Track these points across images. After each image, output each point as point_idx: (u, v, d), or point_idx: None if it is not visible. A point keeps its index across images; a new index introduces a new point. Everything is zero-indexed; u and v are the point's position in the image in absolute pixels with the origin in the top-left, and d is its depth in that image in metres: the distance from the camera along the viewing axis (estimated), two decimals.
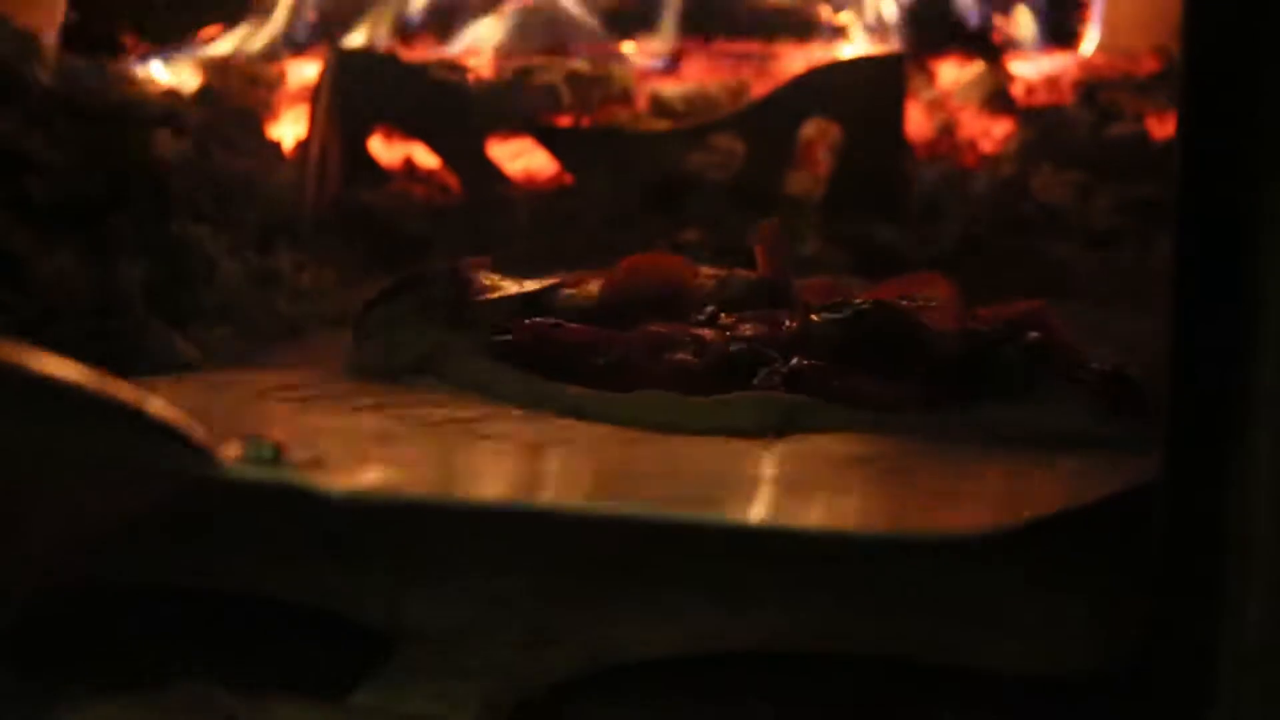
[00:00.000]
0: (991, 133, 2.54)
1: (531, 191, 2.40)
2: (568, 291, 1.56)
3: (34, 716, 0.97)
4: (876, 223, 2.27)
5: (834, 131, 2.41)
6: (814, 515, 1.10)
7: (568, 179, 2.41)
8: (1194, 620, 0.84)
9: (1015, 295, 1.88)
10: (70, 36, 2.60)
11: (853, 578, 0.97)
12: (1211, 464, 0.83)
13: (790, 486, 1.16)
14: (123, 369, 1.78)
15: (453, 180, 2.41)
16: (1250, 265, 0.82)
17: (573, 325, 1.45)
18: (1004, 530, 0.95)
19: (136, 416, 0.95)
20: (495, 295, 1.53)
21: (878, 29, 2.73)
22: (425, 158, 2.44)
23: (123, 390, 0.98)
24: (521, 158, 2.45)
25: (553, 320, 1.46)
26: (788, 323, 1.42)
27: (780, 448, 1.26)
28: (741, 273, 1.59)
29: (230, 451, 0.97)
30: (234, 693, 0.96)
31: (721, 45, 2.69)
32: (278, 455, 0.99)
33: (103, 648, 1.08)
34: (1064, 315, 1.72)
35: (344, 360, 1.60)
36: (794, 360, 1.35)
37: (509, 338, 1.44)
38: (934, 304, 1.49)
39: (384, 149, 2.47)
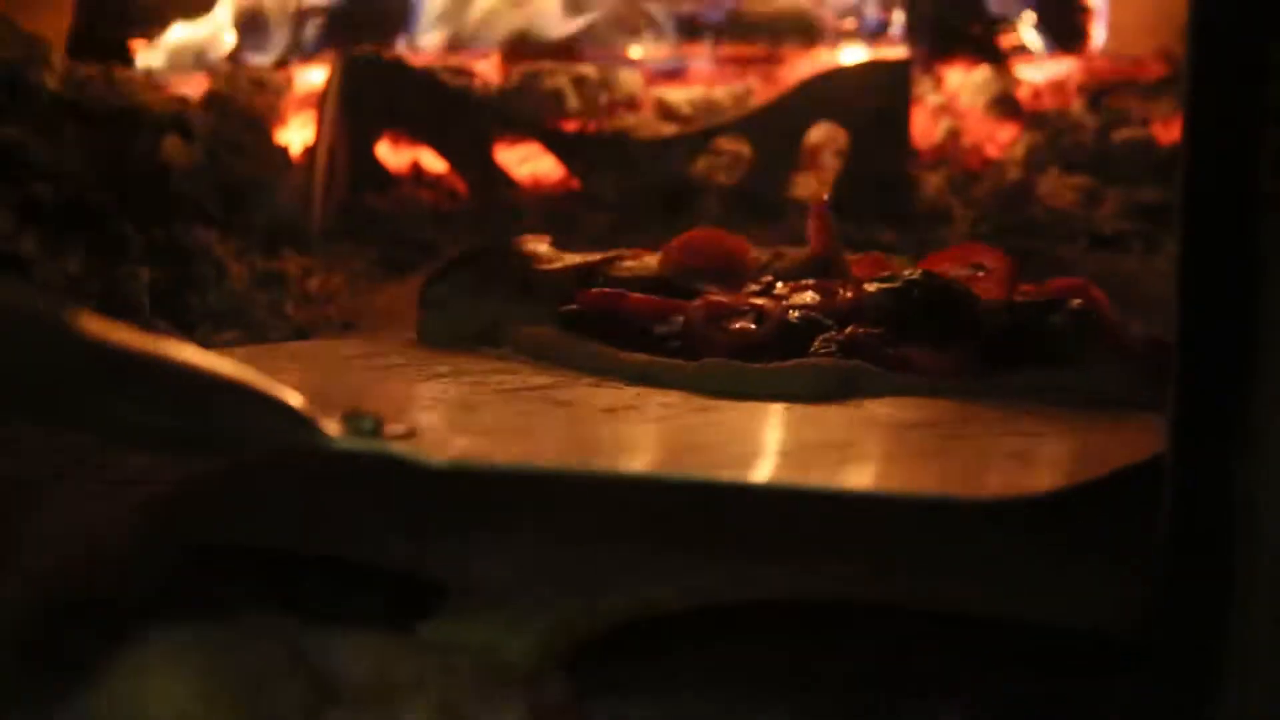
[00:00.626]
0: (997, 137, 2.55)
1: (539, 195, 2.40)
2: (628, 263, 1.57)
3: (109, 639, 0.98)
4: (882, 226, 2.27)
5: (840, 136, 2.41)
6: (867, 479, 1.13)
7: (575, 183, 2.41)
8: (1202, 582, 0.84)
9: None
10: (78, 43, 2.62)
11: (900, 538, 1.00)
12: (1218, 438, 0.83)
13: (852, 453, 1.17)
14: None
15: (460, 185, 2.42)
16: (1253, 247, 0.83)
17: (636, 295, 1.45)
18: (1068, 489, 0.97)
19: (264, 399, 0.96)
20: (557, 266, 1.55)
21: (883, 34, 2.74)
22: (432, 162, 2.45)
23: (248, 375, 0.98)
24: (529, 162, 2.46)
25: (618, 290, 1.45)
26: (842, 292, 1.44)
27: (840, 413, 1.27)
28: (792, 250, 1.60)
29: (334, 427, 0.99)
30: (303, 621, 0.98)
31: (726, 50, 2.70)
32: (378, 428, 1.02)
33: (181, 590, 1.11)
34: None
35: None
36: (849, 329, 1.35)
37: (575, 307, 1.44)
38: (984, 274, 1.51)
39: (391, 154, 2.48)
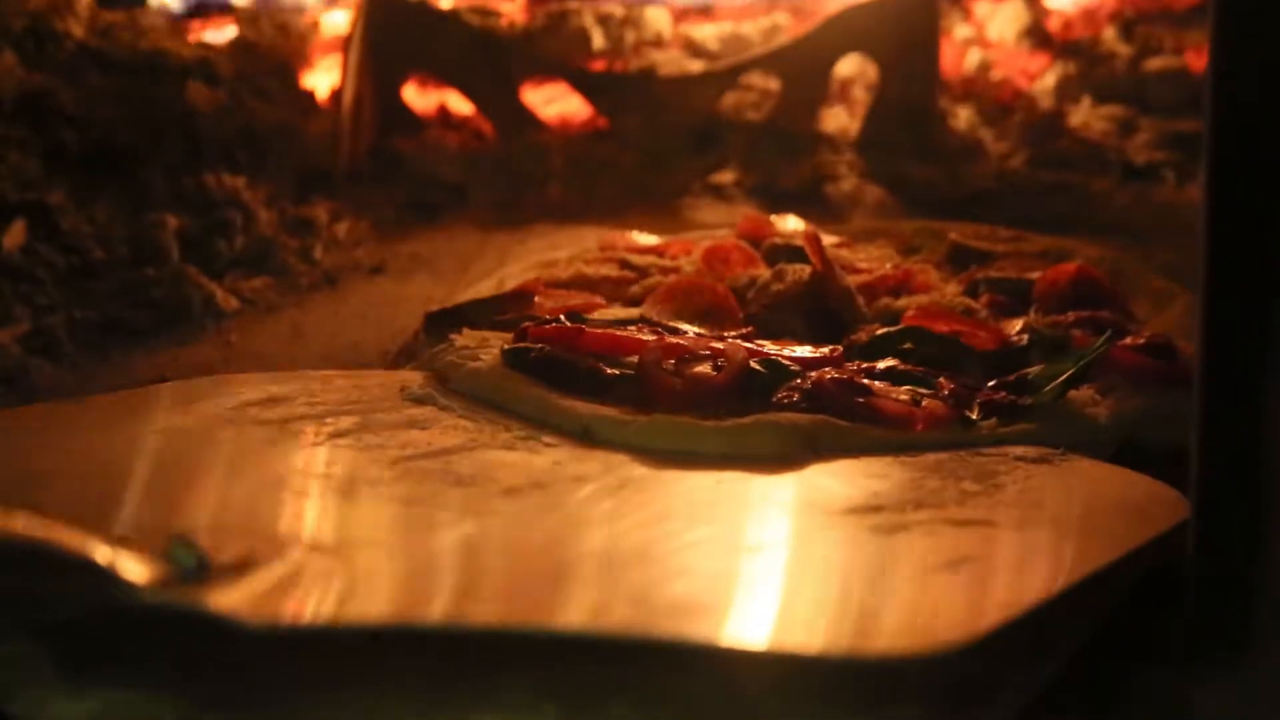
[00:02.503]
0: (1028, 68, 2.52)
1: (566, 136, 2.39)
2: (609, 313, 1.55)
3: None
4: (912, 160, 2.26)
5: (869, 70, 2.39)
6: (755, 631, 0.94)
7: (602, 123, 2.40)
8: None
9: (1051, 231, 1.89)
10: None
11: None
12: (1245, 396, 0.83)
13: (758, 565, 1.04)
14: (162, 318, 1.81)
15: (487, 127, 2.40)
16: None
17: (592, 330, 1.41)
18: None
19: (62, 559, 0.89)
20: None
21: None
22: (459, 105, 2.44)
23: (48, 531, 0.91)
24: (556, 103, 2.44)
25: (575, 325, 1.41)
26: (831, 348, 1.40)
27: (779, 490, 1.17)
28: (794, 268, 1.59)
29: (146, 571, 0.88)
30: None
31: None
32: (202, 564, 0.91)
33: None
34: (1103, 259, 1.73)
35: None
36: (815, 375, 1.32)
37: (525, 345, 1.39)
38: (975, 324, 1.50)
39: (418, 97, 2.47)
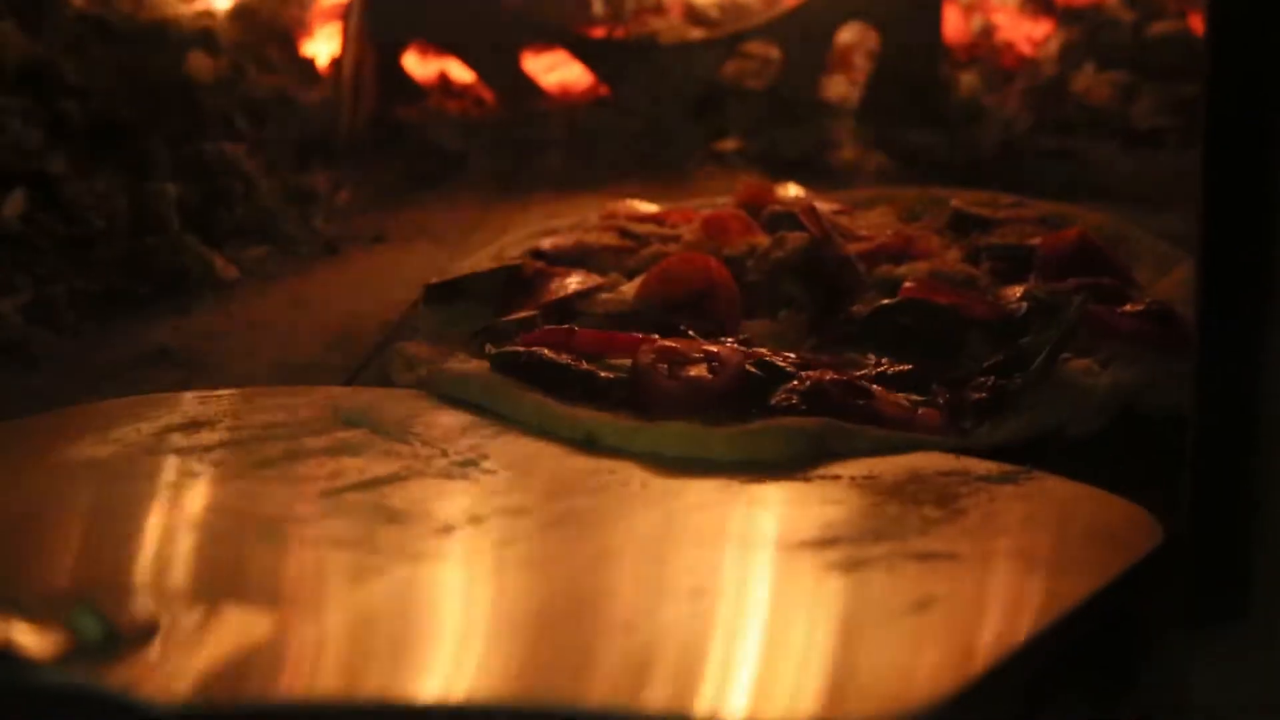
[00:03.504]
0: (1031, 34, 2.51)
1: (567, 104, 2.38)
2: (604, 296, 1.56)
3: None
4: (915, 127, 2.25)
5: (870, 36, 2.38)
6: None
7: (603, 91, 2.39)
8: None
9: (1053, 197, 1.88)
10: None
11: None
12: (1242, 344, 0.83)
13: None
14: (163, 287, 1.81)
15: (487, 94, 2.40)
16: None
17: (585, 332, 1.40)
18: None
19: None
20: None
21: None
22: (460, 73, 2.43)
23: None
24: (556, 70, 2.43)
25: (566, 327, 1.41)
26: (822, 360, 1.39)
27: (730, 521, 1.13)
28: (793, 235, 1.58)
29: (45, 644, 0.82)
30: None
31: None
32: (108, 634, 0.84)
33: None
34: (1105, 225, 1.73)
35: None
36: (812, 376, 1.30)
37: (516, 347, 1.38)
38: (973, 293, 1.51)
39: (418, 65, 2.46)
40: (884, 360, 1.40)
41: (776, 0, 2.50)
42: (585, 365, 1.35)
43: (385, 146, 2.28)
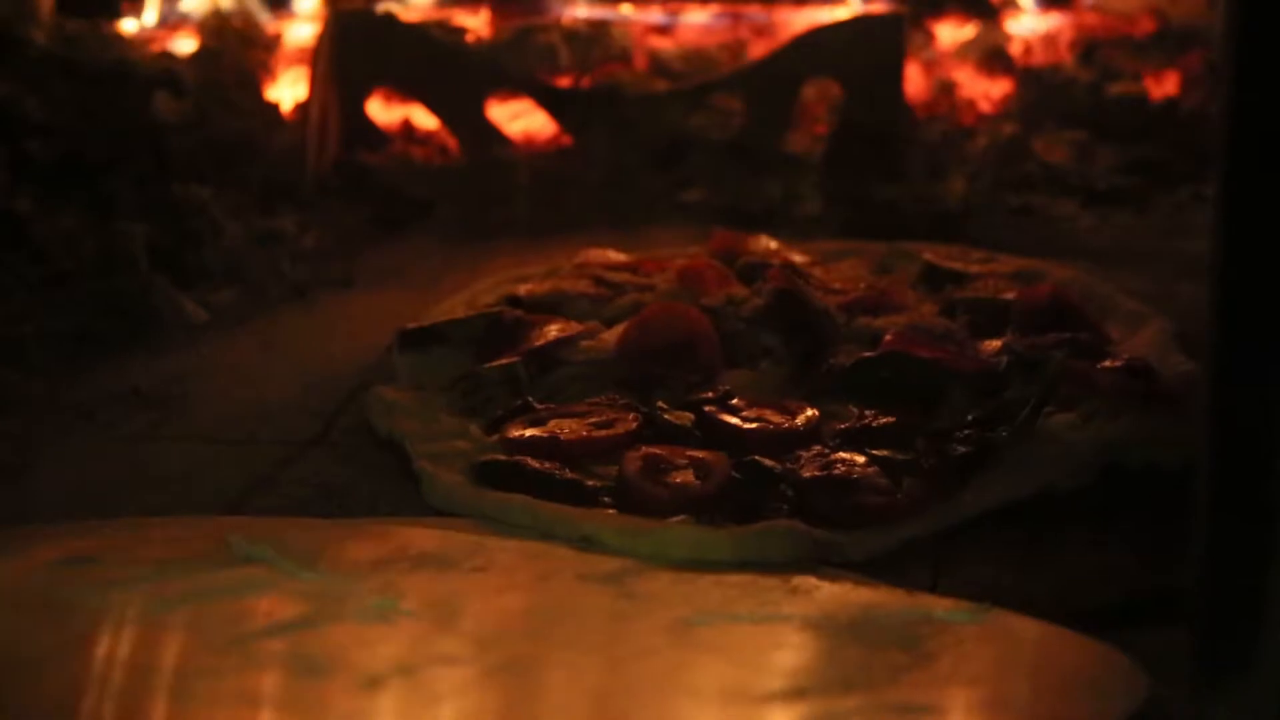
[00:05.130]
0: (990, 92, 2.54)
1: (532, 152, 2.39)
2: (585, 344, 1.56)
3: None
4: (878, 181, 2.27)
5: (834, 91, 2.40)
6: None
7: (567, 140, 2.39)
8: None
9: (1016, 253, 1.90)
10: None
11: None
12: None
13: None
14: (132, 328, 1.80)
15: (452, 142, 2.40)
16: None
17: (570, 438, 1.36)
18: None
19: None
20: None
21: None
22: (424, 119, 2.43)
23: None
24: (520, 119, 2.44)
25: (551, 436, 1.36)
26: (805, 414, 1.38)
27: (682, 671, 1.03)
28: (770, 287, 1.59)
29: None
30: None
31: (718, 5, 2.68)
32: None
33: None
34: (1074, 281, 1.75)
35: None
36: (798, 473, 1.28)
37: (501, 456, 1.33)
38: (952, 347, 1.53)
39: (382, 111, 2.46)
40: (867, 413, 1.40)
41: (740, 54, 2.52)
42: (570, 473, 1.32)
43: (349, 192, 2.28)
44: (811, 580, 1.16)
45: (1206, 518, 0.89)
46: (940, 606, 1.12)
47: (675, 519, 1.24)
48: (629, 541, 1.22)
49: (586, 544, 1.22)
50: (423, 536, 1.20)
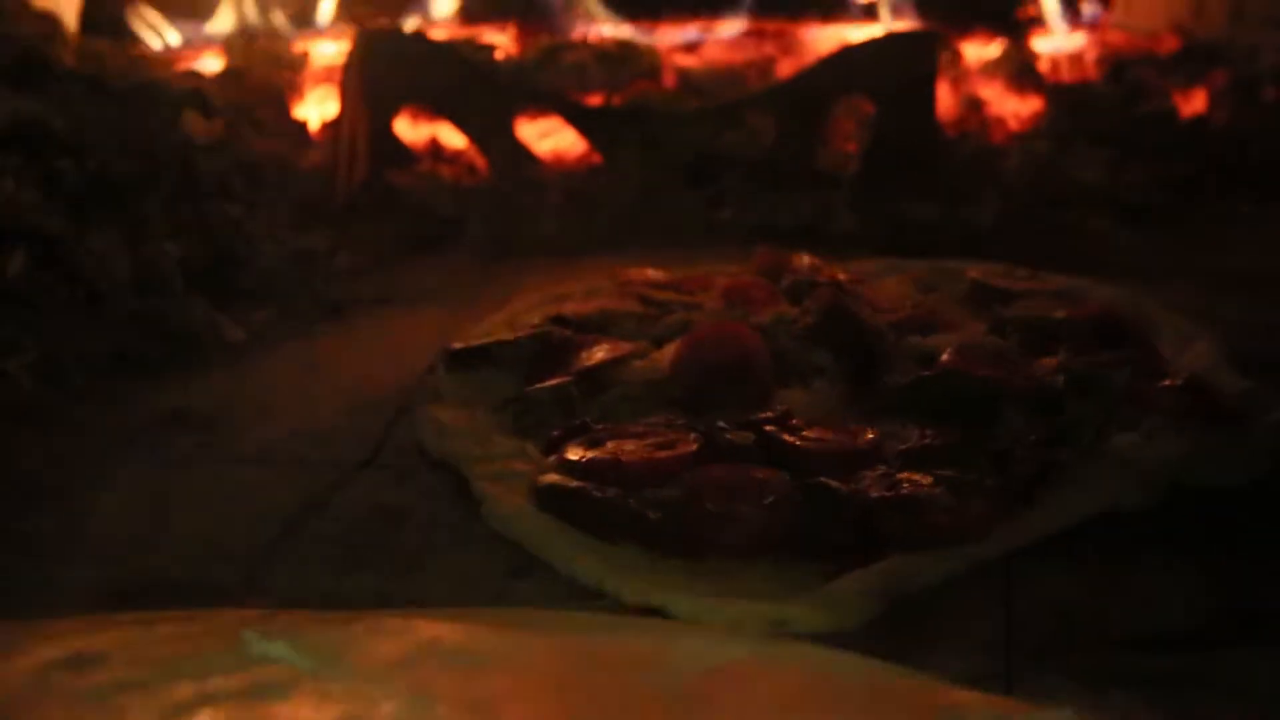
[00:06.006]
0: (1020, 110, 2.53)
1: (561, 171, 2.37)
2: (638, 364, 1.55)
3: None
4: (911, 199, 2.25)
5: (865, 108, 2.39)
6: None
7: (597, 158, 2.38)
8: None
9: (1052, 270, 1.89)
10: (89, 19, 2.58)
11: None
12: None
13: None
14: (170, 351, 1.78)
15: (480, 161, 2.39)
16: None
17: (630, 460, 1.33)
18: None
19: None
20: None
21: (897, 7, 2.72)
22: (451, 138, 2.42)
23: None
24: (550, 137, 2.43)
25: (612, 459, 1.34)
26: (866, 434, 1.38)
27: None
28: (822, 305, 1.59)
29: None
30: None
31: (747, 23, 2.68)
32: None
33: None
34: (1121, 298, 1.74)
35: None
36: (862, 497, 1.26)
37: (557, 479, 1.31)
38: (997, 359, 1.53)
39: (409, 130, 2.45)
40: (927, 433, 1.39)
41: (770, 72, 2.51)
42: (633, 503, 1.29)
43: (378, 211, 2.26)
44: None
45: None
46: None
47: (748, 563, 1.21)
48: (704, 613, 1.18)
49: (655, 612, 1.19)
50: (450, 631, 1.07)
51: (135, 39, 2.59)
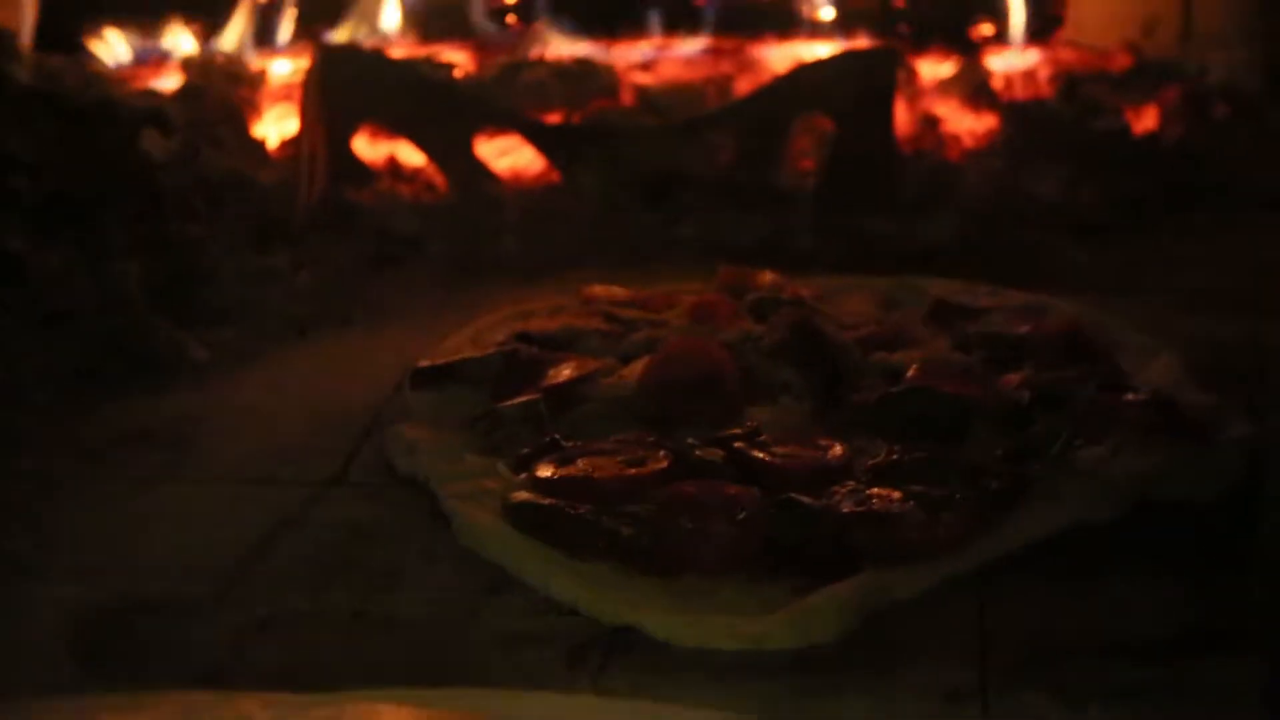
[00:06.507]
0: (975, 128, 2.55)
1: (521, 189, 2.38)
2: (606, 381, 1.56)
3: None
4: (870, 216, 2.27)
5: (823, 126, 2.40)
6: None
7: (555, 176, 2.39)
8: None
9: (1012, 287, 1.91)
10: (42, 36, 2.57)
11: None
12: None
13: None
14: (133, 369, 1.78)
15: (440, 178, 2.39)
16: None
17: (602, 477, 1.34)
18: None
19: None
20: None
21: (854, 26, 2.74)
22: (410, 156, 2.42)
23: None
24: (509, 155, 2.43)
25: (584, 476, 1.34)
26: (835, 450, 1.38)
27: None
28: (789, 322, 1.60)
29: None
30: None
31: (705, 41, 2.69)
32: None
33: None
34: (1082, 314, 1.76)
35: None
36: (835, 512, 1.26)
37: (527, 496, 1.31)
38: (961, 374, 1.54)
39: (367, 148, 2.44)
40: (896, 448, 1.40)
41: (728, 90, 2.52)
42: (606, 520, 1.28)
43: (337, 228, 2.26)
44: None
45: None
46: None
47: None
48: (675, 634, 1.18)
49: (637, 623, 1.19)
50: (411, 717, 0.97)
51: (92, 56, 2.57)
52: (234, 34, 2.68)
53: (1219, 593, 1.22)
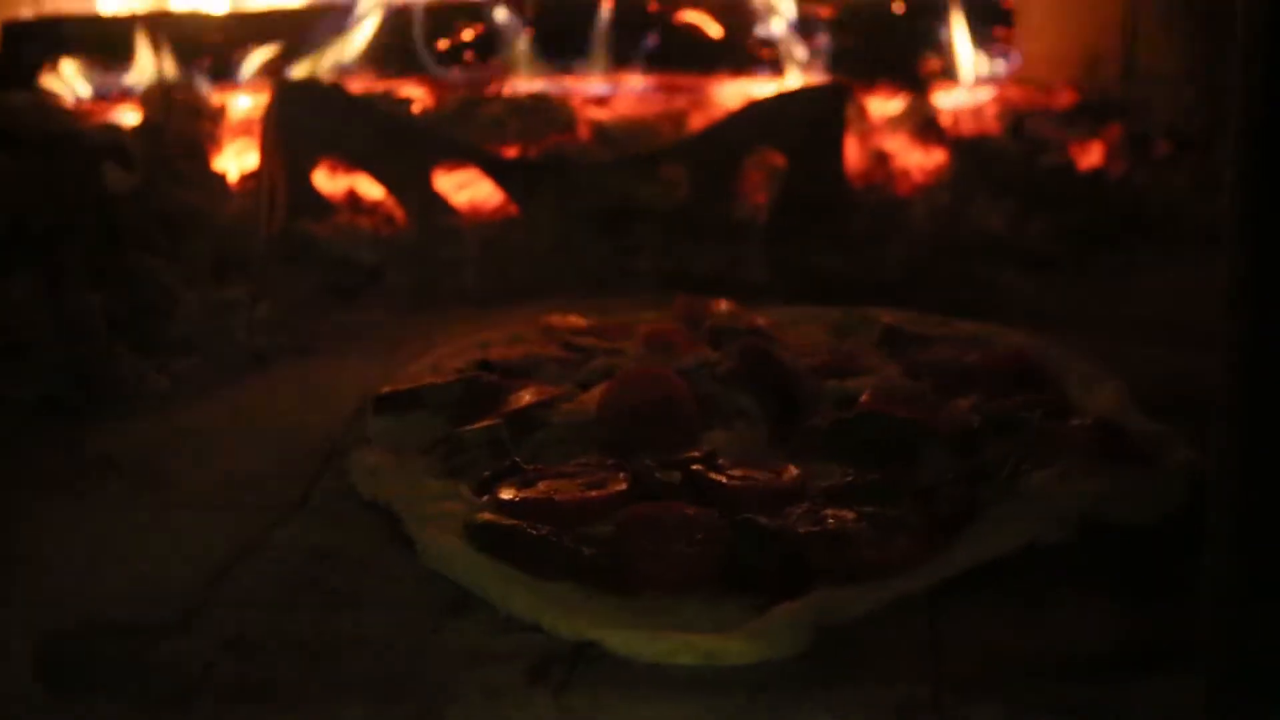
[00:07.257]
0: (924, 163, 2.60)
1: (478, 222, 2.41)
2: (565, 406, 1.59)
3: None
4: (820, 249, 2.31)
5: (775, 160, 2.44)
6: None
7: (513, 209, 2.42)
8: None
9: (964, 318, 1.95)
10: (1, 71, 2.59)
11: None
12: None
13: None
14: (94, 399, 1.79)
15: (398, 211, 2.41)
16: None
17: (564, 499, 1.37)
18: None
19: None
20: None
21: (805, 62, 2.78)
22: (369, 189, 2.45)
23: None
24: (467, 189, 2.46)
25: (546, 497, 1.37)
26: (790, 472, 1.42)
27: None
28: (743, 350, 1.63)
29: None
30: None
31: (659, 77, 2.72)
32: None
33: None
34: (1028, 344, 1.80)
35: None
36: (792, 529, 1.29)
37: (489, 517, 1.34)
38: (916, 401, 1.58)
39: (326, 180, 2.47)
40: (849, 471, 1.43)
41: (682, 124, 2.56)
42: (567, 541, 1.31)
43: (297, 261, 2.28)
44: None
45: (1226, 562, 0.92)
46: None
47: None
48: (637, 649, 1.20)
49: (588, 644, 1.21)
50: None
51: (50, 91, 2.59)
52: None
53: (1162, 613, 1.25)
